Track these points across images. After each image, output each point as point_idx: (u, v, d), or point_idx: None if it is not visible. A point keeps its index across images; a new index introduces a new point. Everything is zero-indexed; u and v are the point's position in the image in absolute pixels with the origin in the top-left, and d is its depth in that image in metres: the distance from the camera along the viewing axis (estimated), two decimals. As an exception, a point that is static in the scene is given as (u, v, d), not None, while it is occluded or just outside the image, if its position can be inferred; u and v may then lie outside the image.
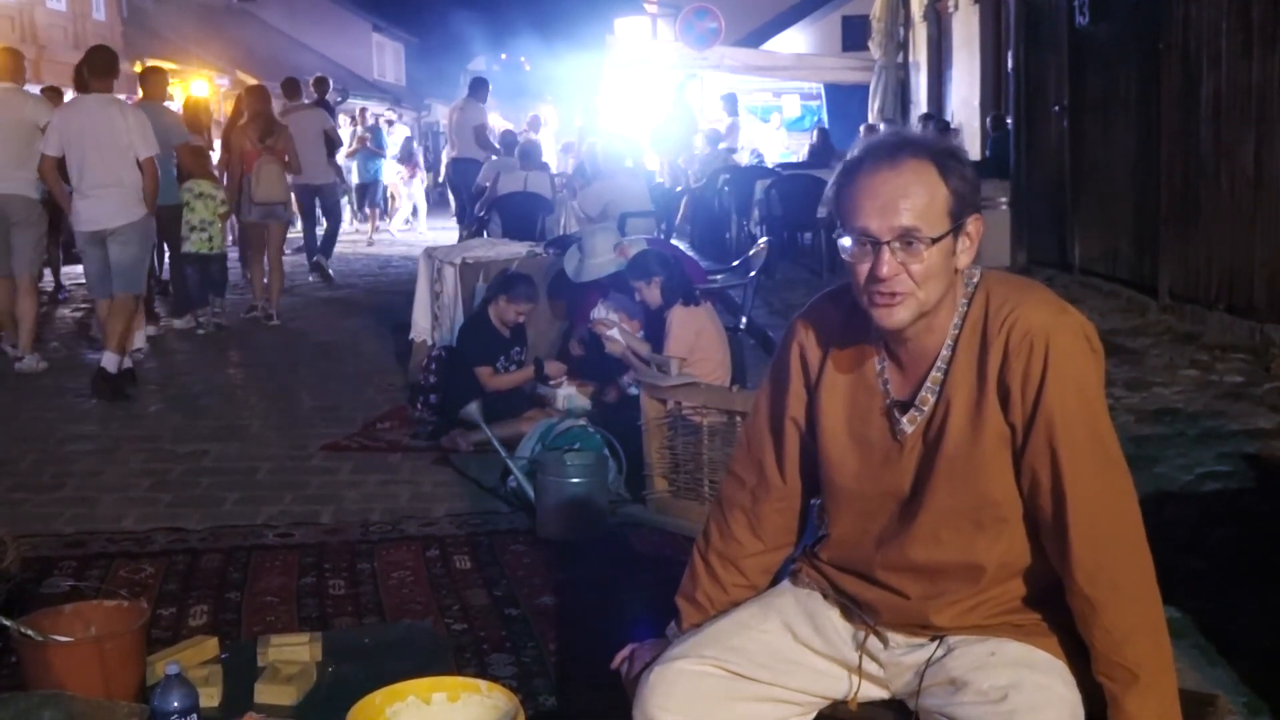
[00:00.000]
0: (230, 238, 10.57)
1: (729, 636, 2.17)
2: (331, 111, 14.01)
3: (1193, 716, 2.00)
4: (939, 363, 2.06)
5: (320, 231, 13.19)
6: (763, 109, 21.09)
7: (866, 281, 1.99)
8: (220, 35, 27.12)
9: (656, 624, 2.43)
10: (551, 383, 6.27)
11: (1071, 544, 1.95)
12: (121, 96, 7.93)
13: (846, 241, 2.01)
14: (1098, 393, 2.00)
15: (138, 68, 20.62)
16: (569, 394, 6.16)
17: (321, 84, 14.33)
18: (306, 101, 13.21)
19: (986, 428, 2.00)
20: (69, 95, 8.72)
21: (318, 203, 12.68)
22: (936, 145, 2.01)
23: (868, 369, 2.14)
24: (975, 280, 2.07)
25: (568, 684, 3.44)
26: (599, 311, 6.13)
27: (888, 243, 1.96)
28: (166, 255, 10.25)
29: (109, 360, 7.27)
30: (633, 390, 5.61)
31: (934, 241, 1.96)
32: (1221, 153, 7.50)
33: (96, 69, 7.55)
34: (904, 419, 2.09)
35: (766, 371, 2.35)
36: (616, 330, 5.83)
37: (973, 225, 2.02)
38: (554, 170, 14.34)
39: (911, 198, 1.95)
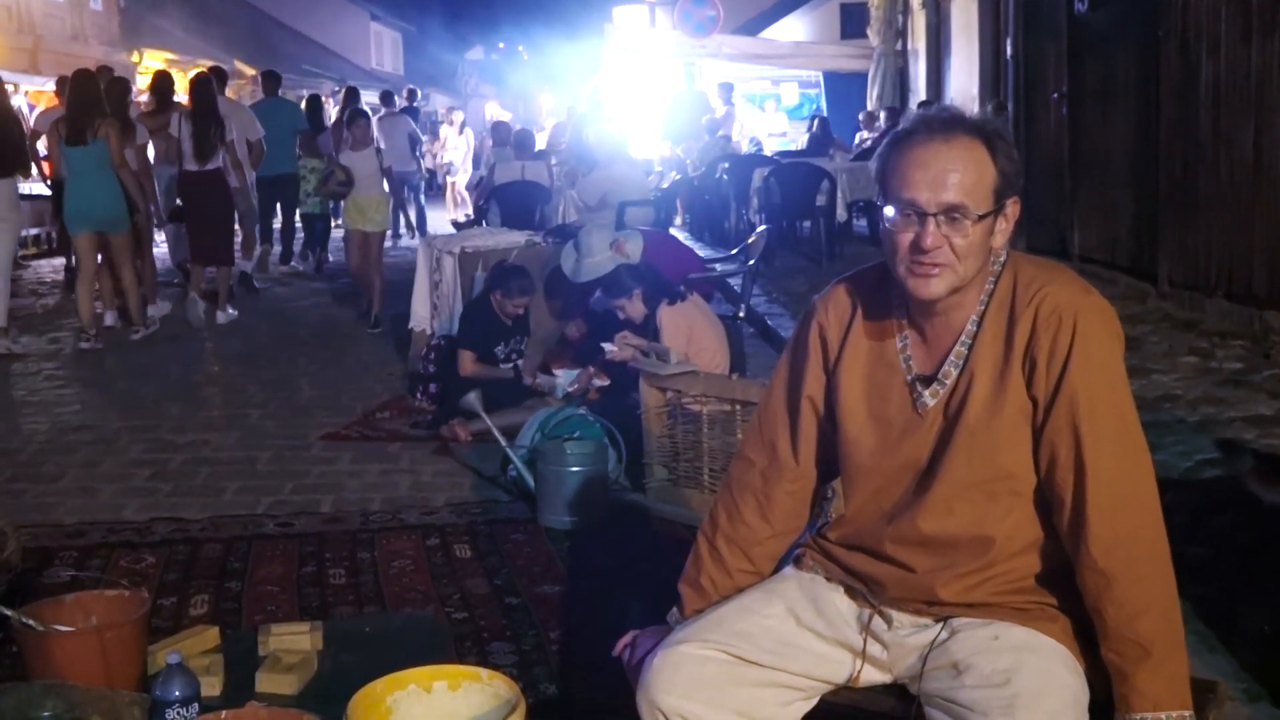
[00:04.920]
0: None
1: (733, 621, 2.18)
2: (416, 115, 17.19)
3: (1193, 703, 2.00)
4: (964, 337, 2.08)
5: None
6: (760, 97, 21.04)
7: (908, 251, 2.01)
8: (217, 25, 27.05)
9: (657, 611, 2.43)
10: (558, 375, 6.23)
11: (1089, 518, 1.97)
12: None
13: (890, 211, 2.03)
14: (1120, 371, 2.03)
15: (135, 58, 20.63)
16: (564, 380, 6.14)
17: (412, 94, 18.93)
18: (396, 108, 16.41)
19: (1008, 400, 2.03)
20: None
21: (405, 187, 15.40)
22: (988, 125, 2.03)
23: (888, 347, 2.16)
24: (1002, 259, 2.10)
25: (568, 672, 3.45)
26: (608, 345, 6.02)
27: (933, 215, 1.98)
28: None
29: (245, 265, 11.20)
30: (610, 348, 5.59)
31: (979, 219, 1.99)
32: (1221, 139, 7.49)
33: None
34: (926, 392, 2.11)
35: (783, 353, 2.36)
36: (613, 344, 5.76)
37: (1011, 207, 2.05)
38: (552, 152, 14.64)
39: (961, 173, 1.98)
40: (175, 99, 10.96)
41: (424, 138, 18.02)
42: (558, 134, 16.19)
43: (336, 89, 21.83)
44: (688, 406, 4.82)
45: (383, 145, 13.83)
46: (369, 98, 24.21)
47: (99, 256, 8.69)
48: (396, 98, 17.08)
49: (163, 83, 10.85)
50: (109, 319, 9.12)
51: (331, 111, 15.64)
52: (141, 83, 16.57)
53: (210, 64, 14.36)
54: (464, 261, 7.12)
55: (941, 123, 2.02)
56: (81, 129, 8.25)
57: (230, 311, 9.70)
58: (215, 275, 9.75)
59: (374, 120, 14.27)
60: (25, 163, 8.71)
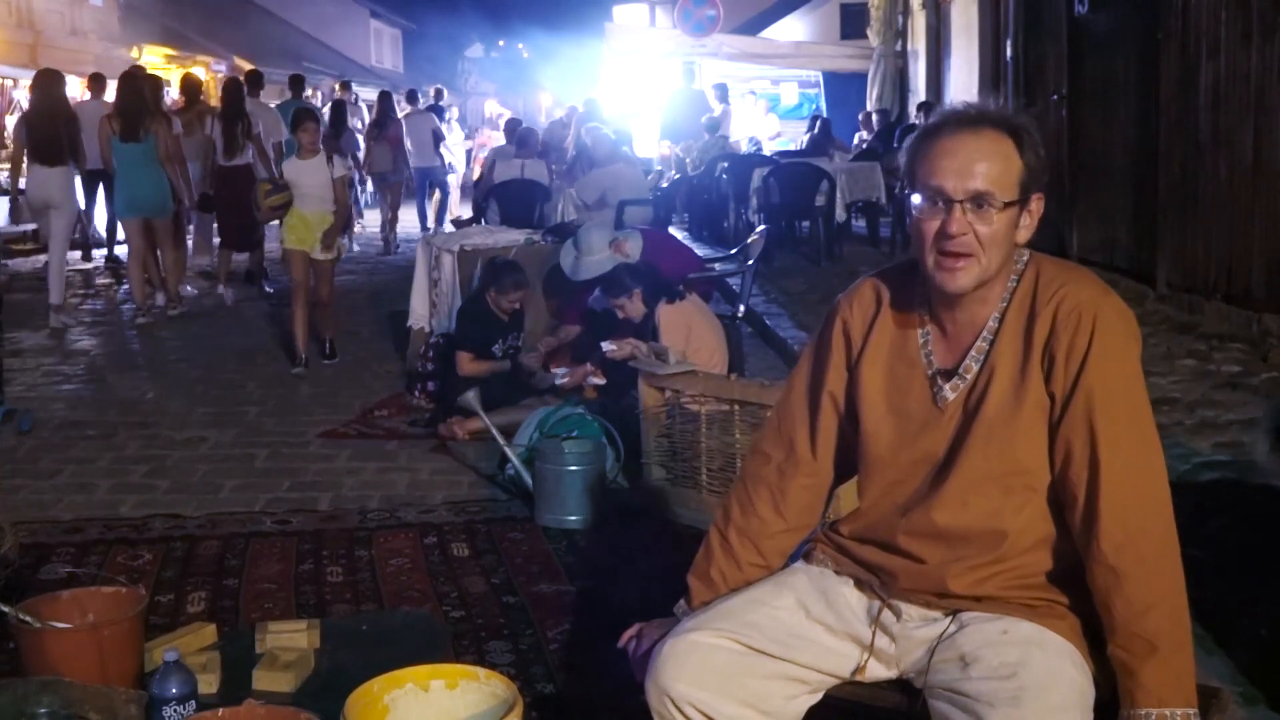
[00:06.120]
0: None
1: (742, 611, 2.20)
2: (441, 113, 17.71)
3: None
4: (985, 333, 2.12)
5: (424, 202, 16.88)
6: (754, 96, 21.02)
7: (934, 239, 2.05)
8: (217, 21, 26.99)
9: (654, 609, 2.43)
10: (556, 373, 6.23)
11: (1101, 514, 1.99)
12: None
13: (917, 199, 2.07)
14: (1137, 371, 2.06)
15: (135, 53, 20.59)
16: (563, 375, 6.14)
17: (438, 93, 19.64)
18: (422, 107, 17.04)
19: (1028, 396, 2.06)
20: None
21: (429, 181, 16.34)
22: (1015, 120, 2.08)
23: (910, 342, 2.19)
24: (1025, 258, 2.14)
25: (566, 671, 3.44)
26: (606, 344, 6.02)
27: (960, 202, 2.01)
28: None
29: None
30: (609, 347, 5.60)
31: (1004, 207, 2.03)
32: (1220, 142, 7.49)
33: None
34: (946, 386, 2.14)
35: (805, 349, 2.39)
36: (611, 344, 5.75)
37: (1035, 203, 2.10)
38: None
39: (988, 162, 2.02)
40: (202, 97, 11.85)
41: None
42: (553, 131, 16.24)
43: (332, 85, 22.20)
44: (686, 406, 4.82)
45: (409, 144, 15.32)
46: (369, 95, 24.29)
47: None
48: (421, 96, 17.77)
49: (191, 83, 11.86)
50: (159, 299, 9.83)
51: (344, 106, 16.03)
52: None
53: (207, 61, 14.94)
54: (463, 259, 7.12)
55: (970, 117, 2.07)
56: (135, 127, 9.13)
57: (232, 291, 10.56)
58: (220, 257, 10.70)
59: (401, 119, 15.65)
60: (78, 153, 9.34)
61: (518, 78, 46.04)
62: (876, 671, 2.18)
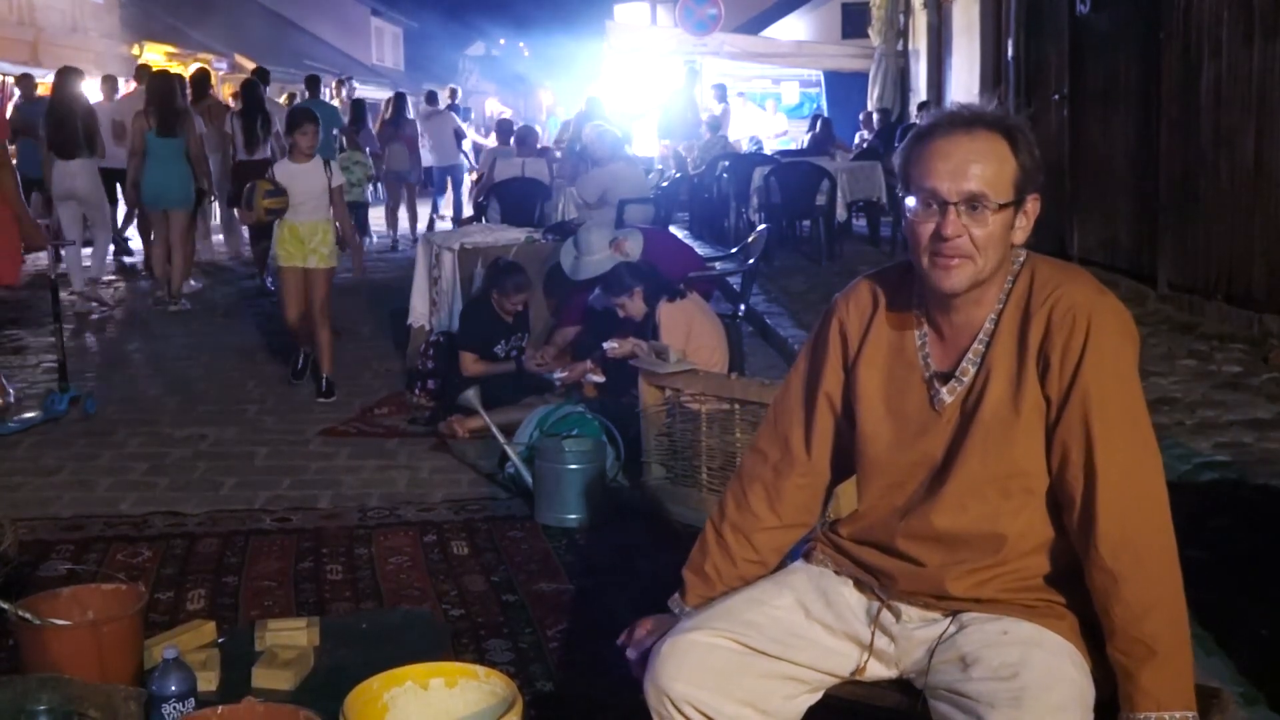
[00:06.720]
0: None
1: (742, 611, 2.20)
2: (461, 113, 18.36)
3: (1197, 710, 2.00)
4: (981, 335, 2.11)
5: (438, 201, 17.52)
6: (760, 96, 21.04)
7: (929, 241, 2.04)
8: (218, 18, 27.00)
9: (654, 608, 2.43)
10: (559, 374, 6.22)
11: (1099, 517, 1.99)
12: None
13: (911, 201, 2.07)
14: (1133, 372, 2.05)
15: (135, 50, 20.60)
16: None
17: (453, 93, 19.95)
18: (442, 107, 17.38)
19: (1024, 399, 2.05)
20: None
21: (449, 178, 16.76)
22: (1010, 121, 2.07)
23: (908, 344, 2.19)
24: (1021, 259, 2.13)
25: (565, 669, 3.44)
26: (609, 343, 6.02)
27: (954, 204, 2.01)
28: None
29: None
30: (611, 345, 5.60)
31: (999, 208, 2.02)
32: (1221, 142, 7.49)
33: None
34: (944, 389, 2.13)
35: (802, 348, 2.39)
36: (613, 341, 5.74)
37: (1031, 203, 2.09)
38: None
39: (982, 164, 2.02)
40: (210, 92, 12.44)
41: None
42: (564, 131, 16.30)
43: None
44: (686, 405, 4.82)
45: (430, 144, 15.67)
46: (369, 93, 24.30)
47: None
48: (439, 95, 18.16)
49: (200, 77, 12.43)
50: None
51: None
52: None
53: (208, 59, 15.14)
54: (463, 258, 7.12)
55: (965, 118, 2.07)
56: (171, 124, 9.66)
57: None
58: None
59: (419, 119, 16.07)
60: (95, 146, 9.93)
61: (518, 76, 46.04)
62: (876, 671, 2.18)
